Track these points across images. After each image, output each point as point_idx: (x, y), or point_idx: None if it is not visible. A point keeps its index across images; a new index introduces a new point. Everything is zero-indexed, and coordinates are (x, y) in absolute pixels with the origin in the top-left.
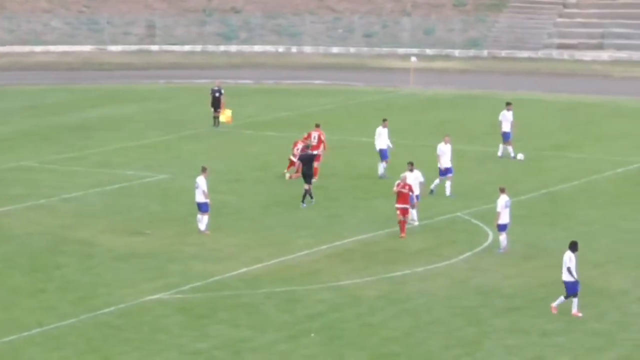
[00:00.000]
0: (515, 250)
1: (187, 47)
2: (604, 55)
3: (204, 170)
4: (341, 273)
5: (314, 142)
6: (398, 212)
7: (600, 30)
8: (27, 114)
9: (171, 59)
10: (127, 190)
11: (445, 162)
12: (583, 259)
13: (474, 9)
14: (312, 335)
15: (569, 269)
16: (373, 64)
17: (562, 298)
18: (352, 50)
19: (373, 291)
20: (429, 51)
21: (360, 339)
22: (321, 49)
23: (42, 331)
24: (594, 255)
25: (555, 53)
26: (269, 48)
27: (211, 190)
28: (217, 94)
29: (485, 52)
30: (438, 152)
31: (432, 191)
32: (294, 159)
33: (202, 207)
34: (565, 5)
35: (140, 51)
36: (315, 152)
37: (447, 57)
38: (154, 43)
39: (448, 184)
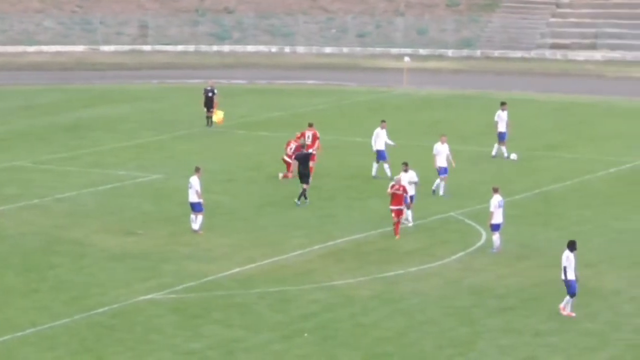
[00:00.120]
0: (508, 250)
1: (179, 47)
2: (597, 55)
3: (197, 170)
4: (334, 273)
5: (308, 141)
6: (392, 213)
7: (593, 30)
8: (20, 114)
9: (164, 59)
10: (121, 190)
11: (441, 161)
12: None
13: (467, 9)
14: (306, 335)
15: (564, 269)
16: (366, 64)
17: (567, 297)
18: (345, 50)
19: (366, 291)
20: (422, 51)
21: (354, 339)
22: (314, 49)
23: (35, 331)
24: (587, 255)
25: (548, 53)
26: (261, 48)
27: (204, 190)
28: (210, 94)
29: (478, 52)
30: (434, 151)
31: (434, 192)
32: (289, 160)
33: (196, 207)
34: (558, 5)
35: (133, 51)
36: (310, 151)
37: (441, 57)
38: (146, 43)
39: (442, 184)
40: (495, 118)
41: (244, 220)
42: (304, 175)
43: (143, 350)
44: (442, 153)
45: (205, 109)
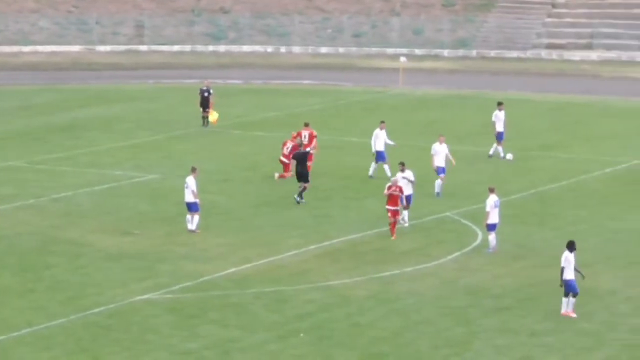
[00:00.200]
0: (504, 250)
1: (175, 47)
2: (593, 55)
3: (193, 170)
4: (330, 273)
5: (305, 141)
6: (389, 214)
7: (589, 30)
8: (16, 114)
9: (160, 59)
10: (117, 190)
11: (439, 161)
12: None
13: (463, 9)
14: (301, 335)
15: (562, 269)
16: (362, 64)
17: (564, 299)
18: (341, 50)
19: (362, 291)
20: (418, 51)
21: (350, 339)
22: (310, 49)
23: (31, 331)
24: (583, 256)
25: (544, 53)
26: (257, 48)
27: (200, 190)
28: (205, 94)
29: (474, 52)
30: (432, 152)
31: (438, 194)
32: (285, 160)
33: (192, 207)
34: (554, 5)
35: (129, 51)
36: (308, 150)
37: (436, 57)
38: (142, 43)
39: (440, 183)
40: (493, 118)
41: (240, 220)
42: (302, 174)
43: (139, 350)
44: (440, 153)
45: (201, 109)
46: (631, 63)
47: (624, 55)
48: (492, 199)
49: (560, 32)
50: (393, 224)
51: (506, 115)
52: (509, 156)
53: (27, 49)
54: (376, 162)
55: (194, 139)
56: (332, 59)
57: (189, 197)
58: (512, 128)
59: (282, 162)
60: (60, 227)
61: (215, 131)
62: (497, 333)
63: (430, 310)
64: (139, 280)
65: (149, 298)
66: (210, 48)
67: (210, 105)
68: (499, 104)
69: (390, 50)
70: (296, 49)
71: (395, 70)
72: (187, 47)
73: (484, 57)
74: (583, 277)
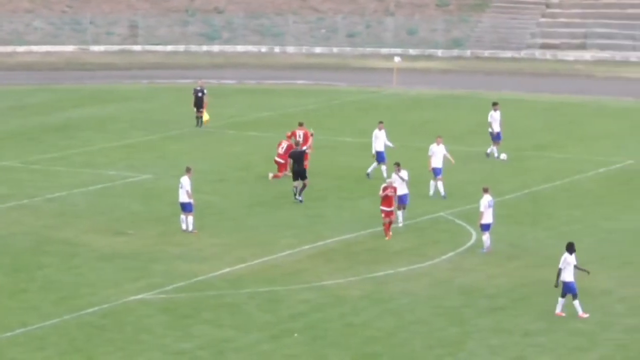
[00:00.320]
0: (498, 250)
1: (169, 47)
2: (587, 55)
3: (188, 170)
4: (324, 273)
5: (300, 140)
6: (383, 214)
7: (583, 30)
8: (10, 114)
9: (154, 59)
10: (111, 190)
11: (436, 162)
12: None
13: (457, 9)
14: (295, 335)
15: (559, 271)
16: (356, 64)
17: (576, 302)
18: (335, 50)
19: (356, 291)
20: (412, 51)
21: (343, 338)
22: (304, 49)
23: (25, 331)
24: (577, 256)
25: (538, 53)
26: (251, 48)
27: (194, 190)
28: (199, 94)
29: (468, 52)
30: (430, 152)
31: (444, 196)
32: (281, 160)
33: (186, 207)
34: (548, 5)
35: (123, 51)
36: (304, 149)
37: (430, 57)
38: (136, 43)
39: (432, 184)
40: (489, 119)
41: (234, 220)
42: (299, 173)
43: (133, 350)
44: (437, 154)
45: (195, 109)
46: (625, 63)
47: (618, 55)
48: (486, 199)
49: (554, 32)
50: (387, 225)
51: (502, 115)
52: (503, 156)
53: (21, 49)
54: (378, 163)
55: (188, 139)
56: (326, 59)
57: (184, 198)
58: (506, 128)
59: (277, 162)
60: (54, 227)
61: (209, 131)
62: (490, 333)
63: (424, 310)
64: (132, 280)
65: (143, 298)
66: (204, 48)
67: (204, 105)
68: (494, 104)
69: (384, 50)
70: (290, 49)
71: (390, 70)
72: (181, 47)
73: (478, 57)
74: (588, 273)
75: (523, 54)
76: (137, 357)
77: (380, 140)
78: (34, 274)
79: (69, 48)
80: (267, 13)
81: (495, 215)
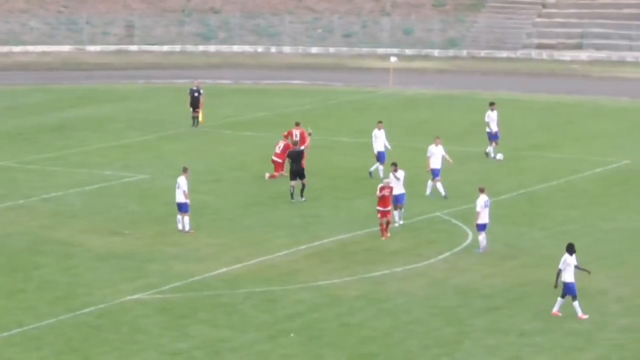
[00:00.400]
0: (494, 250)
1: (166, 47)
2: (583, 55)
3: (185, 170)
4: (320, 273)
5: (298, 139)
6: (379, 215)
7: (579, 30)
8: (6, 114)
9: (150, 59)
10: (107, 190)
11: (435, 163)
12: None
13: (453, 9)
14: (292, 335)
15: (559, 272)
16: (352, 64)
17: (575, 303)
18: (331, 50)
19: (352, 291)
20: (408, 51)
21: (339, 339)
22: (300, 49)
23: (21, 331)
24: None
25: (534, 53)
26: (247, 48)
27: (190, 190)
28: (195, 94)
29: (464, 52)
30: (428, 153)
31: (445, 197)
32: (278, 160)
33: (182, 208)
34: (544, 5)
35: (119, 51)
36: (302, 148)
37: (427, 57)
38: (132, 43)
39: (430, 184)
40: (486, 119)
41: (230, 220)
42: (297, 172)
43: (129, 350)
44: (435, 155)
45: (191, 109)
46: (621, 63)
47: (614, 55)
48: (483, 199)
49: (550, 32)
50: (383, 225)
51: (499, 115)
52: (499, 156)
53: (17, 49)
54: (380, 163)
55: (184, 139)
56: (323, 59)
57: (180, 198)
58: (502, 128)
59: (274, 161)
60: (50, 227)
61: (205, 131)
62: (487, 333)
63: (420, 310)
64: (129, 280)
65: (139, 298)
66: (201, 48)
67: (200, 105)
68: (491, 104)
69: (380, 50)
70: (286, 49)
71: (386, 70)
72: (177, 47)
73: (474, 57)
74: (589, 272)
75: (519, 54)
76: (133, 357)
77: (380, 140)
78: (30, 274)
79: (65, 48)
80: (263, 13)
81: (491, 215)
